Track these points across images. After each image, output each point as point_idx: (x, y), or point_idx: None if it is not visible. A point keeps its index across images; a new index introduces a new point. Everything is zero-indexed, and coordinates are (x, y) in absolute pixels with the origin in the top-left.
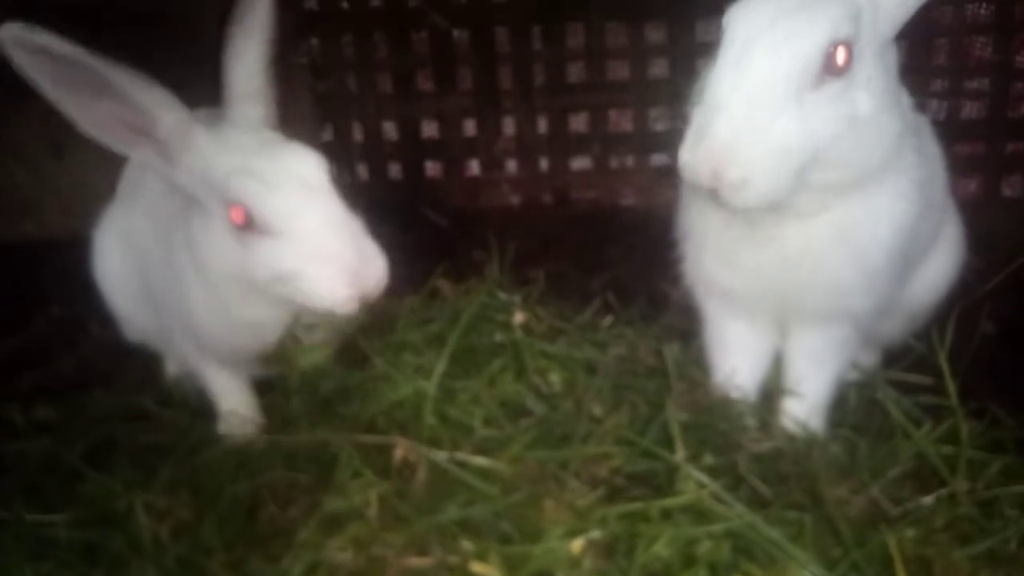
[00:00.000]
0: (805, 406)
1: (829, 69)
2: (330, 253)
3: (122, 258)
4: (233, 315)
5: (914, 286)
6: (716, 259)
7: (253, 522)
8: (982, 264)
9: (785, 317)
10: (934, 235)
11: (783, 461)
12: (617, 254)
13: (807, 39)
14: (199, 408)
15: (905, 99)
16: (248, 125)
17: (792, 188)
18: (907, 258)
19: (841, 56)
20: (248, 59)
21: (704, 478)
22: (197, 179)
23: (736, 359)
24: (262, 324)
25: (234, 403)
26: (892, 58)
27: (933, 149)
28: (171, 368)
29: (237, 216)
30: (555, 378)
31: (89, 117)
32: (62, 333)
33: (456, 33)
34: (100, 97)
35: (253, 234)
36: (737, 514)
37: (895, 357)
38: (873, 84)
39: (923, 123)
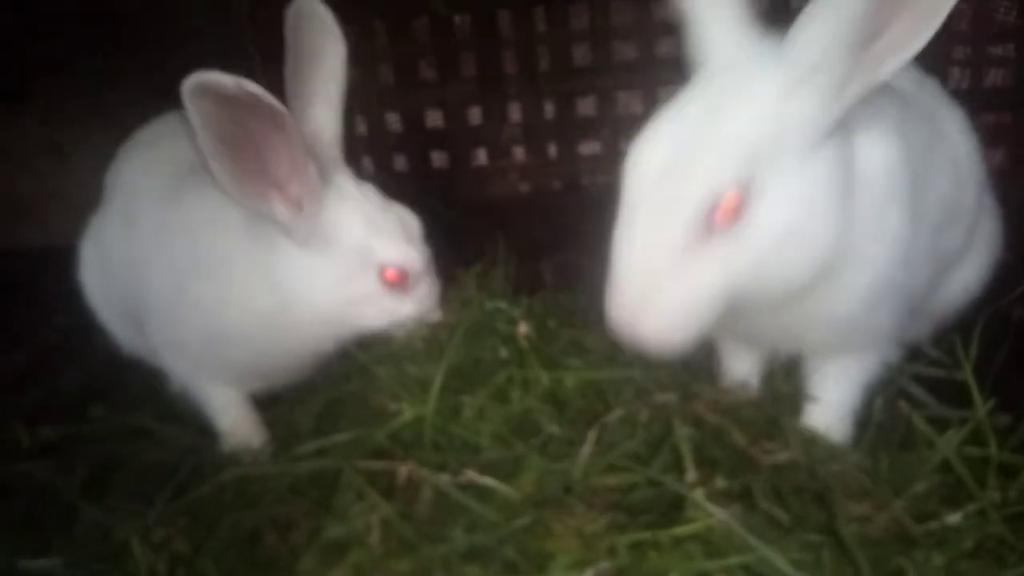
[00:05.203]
0: (829, 413)
1: (715, 222)
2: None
3: (104, 269)
4: (300, 351)
5: (945, 290)
6: None
7: (254, 549)
8: (1012, 239)
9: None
10: (964, 243)
11: (801, 473)
12: None
13: (686, 202)
14: (203, 424)
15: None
16: (340, 172)
17: (711, 325)
18: (918, 276)
19: (729, 205)
20: (328, 103)
21: (714, 509)
22: (331, 236)
23: (749, 364)
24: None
25: (234, 420)
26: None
27: (959, 154)
28: (175, 381)
29: (393, 276)
30: (566, 389)
31: (241, 171)
32: (67, 345)
33: (457, 19)
34: (260, 146)
35: (401, 290)
36: (751, 546)
37: (920, 351)
38: (794, 198)
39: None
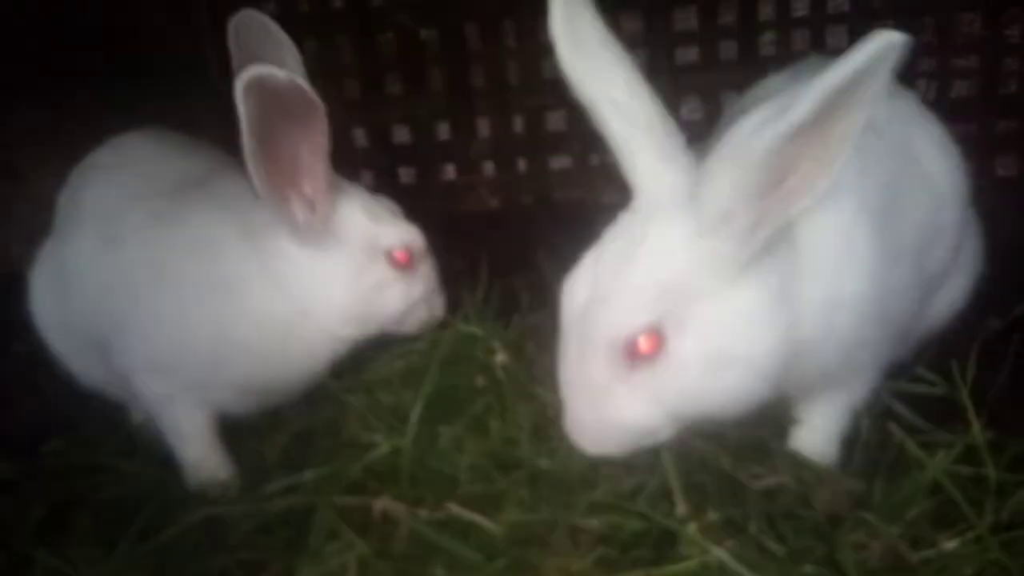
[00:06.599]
0: (816, 437)
1: (638, 355)
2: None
3: (63, 296)
4: (317, 358)
5: (931, 310)
6: None
7: None
8: (985, 251)
9: None
10: (949, 262)
11: (792, 499)
12: None
13: (600, 343)
14: (167, 458)
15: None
16: None
17: (663, 436)
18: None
19: (644, 345)
20: None
21: (707, 544)
22: (339, 232)
23: None
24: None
25: (203, 451)
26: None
27: (935, 172)
28: (137, 413)
29: (403, 257)
30: (546, 419)
31: (269, 171)
32: (26, 374)
33: (424, 33)
34: (284, 145)
35: (409, 270)
36: None
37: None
38: (716, 326)
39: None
